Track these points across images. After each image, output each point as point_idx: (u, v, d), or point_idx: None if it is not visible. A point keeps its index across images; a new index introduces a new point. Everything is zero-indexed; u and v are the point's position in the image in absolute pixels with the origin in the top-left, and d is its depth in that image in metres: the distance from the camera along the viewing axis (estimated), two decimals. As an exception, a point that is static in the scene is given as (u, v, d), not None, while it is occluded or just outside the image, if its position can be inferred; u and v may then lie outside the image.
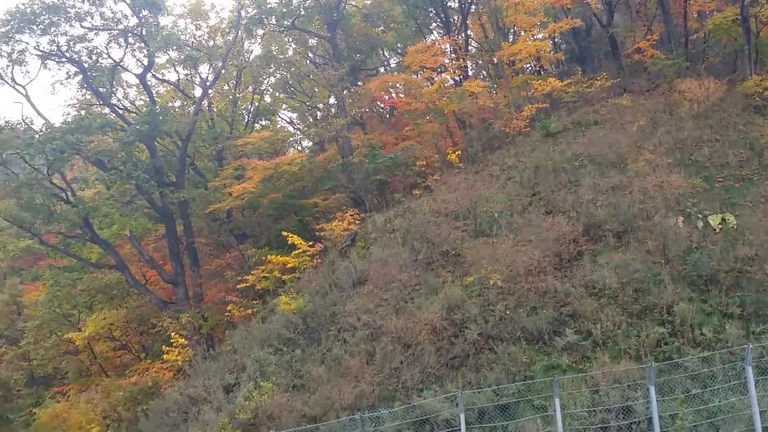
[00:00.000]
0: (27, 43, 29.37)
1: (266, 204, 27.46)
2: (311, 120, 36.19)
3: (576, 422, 14.65)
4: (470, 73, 34.86)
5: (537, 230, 20.39)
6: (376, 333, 19.13)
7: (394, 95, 34.84)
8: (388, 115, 36.06)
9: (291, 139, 36.41)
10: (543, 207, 21.74)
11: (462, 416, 14.48)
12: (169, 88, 34.77)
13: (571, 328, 16.82)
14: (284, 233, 24.98)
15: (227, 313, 25.21)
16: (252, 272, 25.31)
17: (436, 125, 29.34)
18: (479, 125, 28.27)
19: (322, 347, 20.07)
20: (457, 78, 31.56)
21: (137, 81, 32.12)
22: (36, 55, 29.90)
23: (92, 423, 23.26)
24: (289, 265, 24.35)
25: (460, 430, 14.53)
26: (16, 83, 30.17)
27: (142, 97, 34.18)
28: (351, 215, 25.55)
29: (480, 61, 36.56)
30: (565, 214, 20.77)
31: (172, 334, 24.17)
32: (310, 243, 24.83)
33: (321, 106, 35.80)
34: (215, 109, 34.42)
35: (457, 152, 26.66)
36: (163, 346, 23.94)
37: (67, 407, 24.55)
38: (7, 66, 29.86)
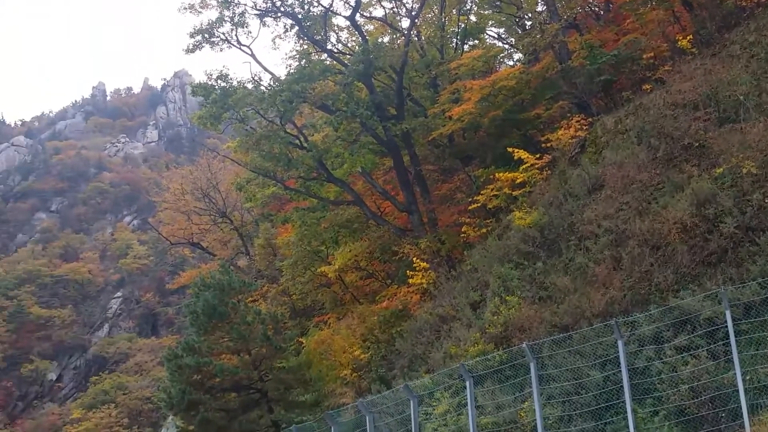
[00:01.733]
0: (245, 5, 31.41)
1: (487, 123, 27.29)
2: (521, 32, 34.99)
3: None
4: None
5: (794, 107, 18.14)
6: (620, 238, 18.42)
7: (607, -11, 32.51)
8: (603, 12, 33.79)
9: (502, 55, 35.67)
10: (797, 80, 19.28)
11: (728, 313, 13.56)
12: (377, 25, 35.46)
13: None
14: (509, 149, 24.71)
15: (462, 235, 25.68)
16: (481, 192, 25.44)
17: (661, 12, 26.94)
18: (710, 3, 25.50)
19: (563, 258, 19.79)
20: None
21: (347, 23, 33.15)
22: (254, 14, 31.85)
23: (353, 346, 25.21)
24: (518, 181, 24.13)
25: (725, 327, 13.64)
26: (242, 44, 32.44)
27: (354, 38, 35.24)
28: (577, 121, 24.57)
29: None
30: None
31: (414, 259, 25.20)
32: (537, 156, 24.34)
33: (530, 15, 34.42)
34: (424, 38, 34.57)
35: (688, 37, 24.35)
36: (407, 271, 25.07)
37: (329, 334, 26.83)
38: (231, 29, 32.14)
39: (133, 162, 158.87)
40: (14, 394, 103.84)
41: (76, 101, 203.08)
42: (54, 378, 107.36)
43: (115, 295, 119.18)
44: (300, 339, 29.60)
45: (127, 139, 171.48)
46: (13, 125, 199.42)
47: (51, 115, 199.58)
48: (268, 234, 41.42)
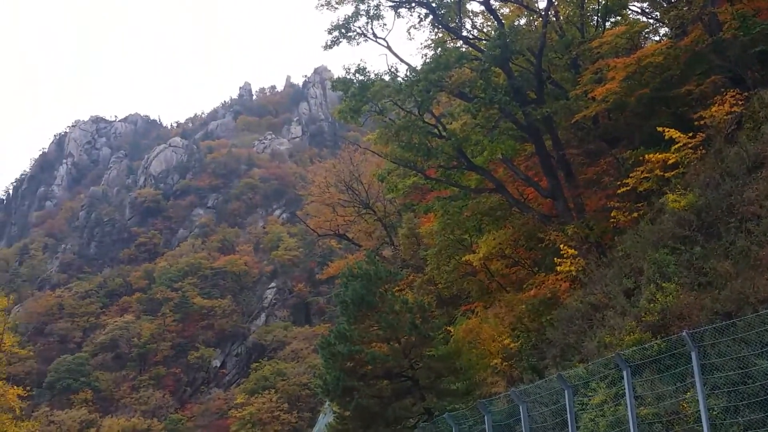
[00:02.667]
0: (379, -2, 31.76)
1: (633, 102, 26.11)
2: (666, 4, 33.09)
3: None
4: None
5: None
6: (787, 218, 17.14)
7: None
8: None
9: (647, 30, 33.88)
10: None
11: None
12: (513, 7, 34.78)
13: None
14: (659, 129, 23.55)
15: (612, 220, 24.83)
16: (630, 175, 24.43)
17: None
18: None
19: (723, 241, 18.68)
20: None
21: (482, 8, 32.78)
22: (389, 6, 32.15)
23: (502, 335, 25.13)
24: (670, 162, 22.96)
25: None
26: (377, 37, 32.84)
27: (489, 22, 34.78)
28: (732, 96, 22.95)
29: None
30: None
31: (561, 246, 24.69)
32: (690, 134, 23.02)
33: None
34: (562, 17, 33.53)
35: None
36: (555, 259, 24.61)
37: (478, 322, 26.90)
38: (366, 23, 32.58)
39: (280, 158, 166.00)
40: (183, 380, 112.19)
41: (225, 102, 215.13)
42: (218, 364, 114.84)
43: (270, 286, 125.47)
44: (447, 328, 29.85)
45: (273, 136, 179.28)
46: (169, 127, 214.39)
47: (203, 115, 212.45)
48: (411, 224, 41.97)
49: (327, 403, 49.93)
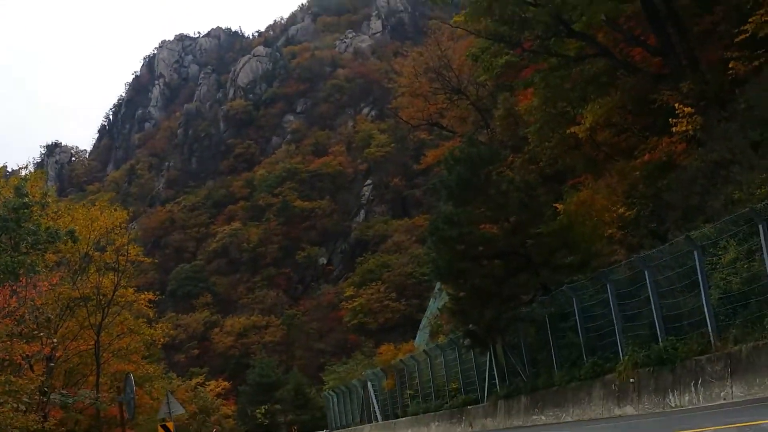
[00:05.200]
0: None
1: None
2: None
3: None
4: None
5: None
6: None
7: None
8: None
9: None
10: None
11: None
12: None
13: None
14: (783, -37, 21.19)
15: (730, 72, 22.94)
16: (750, 20, 22.30)
17: None
18: None
19: None
20: None
21: None
22: None
23: (616, 204, 24.25)
24: (797, -2, 20.75)
25: None
26: None
27: None
28: None
29: None
30: None
31: (676, 105, 23.15)
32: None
33: None
34: None
35: None
36: (670, 119, 23.17)
37: (589, 194, 26.04)
38: None
39: (363, 55, 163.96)
40: (293, 278, 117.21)
41: (302, 4, 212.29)
42: (324, 261, 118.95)
43: (366, 183, 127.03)
44: (555, 204, 29.13)
45: (354, 34, 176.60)
46: (251, 37, 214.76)
47: (282, 21, 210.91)
48: (508, 103, 40.55)
49: (437, 287, 50.92)
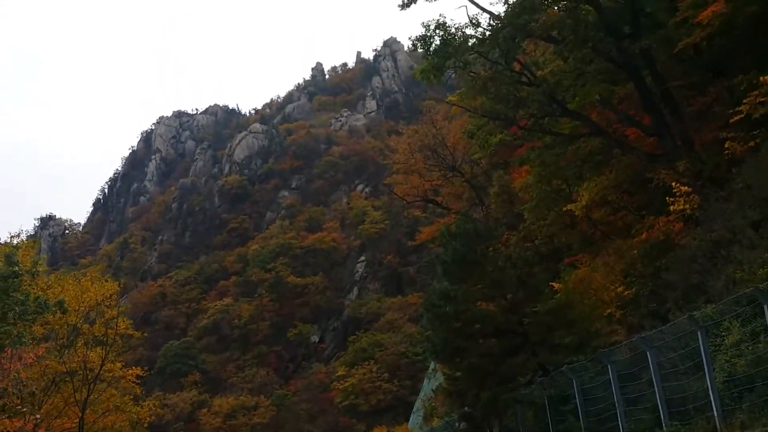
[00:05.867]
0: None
1: (741, 22, 24.07)
2: None
3: None
4: None
5: None
6: None
7: None
8: None
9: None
10: None
11: None
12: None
13: None
14: (774, 46, 21.61)
15: (726, 152, 23.05)
16: (744, 101, 22.56)
17: None
18: None
19: None
20: None
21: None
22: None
23: (615, 283, 23.92)
24: (789, 81, 21.02)
25: None
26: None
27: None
28: None
29: None
30: None
31: (672, 184, 23.16)
32: (810, 49, 21.01)
33: None
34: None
35: None
36: (667, 198, 23.13)
37: (588, 272, 25.74)
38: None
39: (357, 134, 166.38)
40: (284, 357, 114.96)
41: (299, 84, 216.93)
42: (317, 340, 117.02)
43: (360, 260, 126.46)
44: (552, 283, 28.78)
45: (349, 113, 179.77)
46: (248, 114, 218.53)
47: (279, 100, 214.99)
48: (502, 181, 40.78)
49: (431, 367, 49.80)
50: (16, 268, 19.62)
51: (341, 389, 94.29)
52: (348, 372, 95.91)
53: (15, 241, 29.98)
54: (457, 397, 25.29)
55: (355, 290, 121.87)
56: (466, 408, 24.36)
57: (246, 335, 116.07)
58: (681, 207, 22.81)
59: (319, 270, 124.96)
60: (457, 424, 26.17)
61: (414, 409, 53.87)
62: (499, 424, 24.31)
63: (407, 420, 57.64)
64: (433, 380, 45.94)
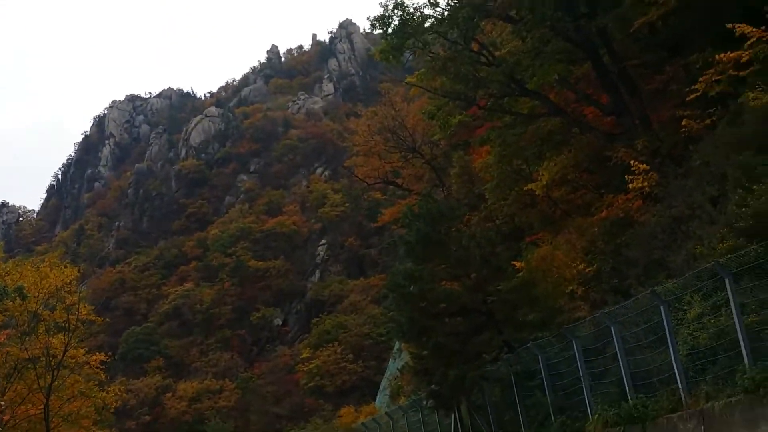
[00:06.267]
0: None
1: (697, 1, 24.48)
2: None
3: None
4: None
5: None
6: None
7: None
8: None
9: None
10: None
11: None
12: None
13: None
14: (728, 26, 21.98)
15: (683, 129, 23.49)
16: (700, 80, 22.98)
17: None
18: None
19: (815, 134, 17.44)
20: None
21: None
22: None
23: (576, 260, 24.32)
24: (743, 60, 21.42)
25: None
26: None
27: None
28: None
29: None
30: None
31: (631, 162, 23.56)
32: (763, 27, 21.45)
33: None
34: None
35: None
36: (626, 176, 23.53)
37: (550, 250, 26.11)
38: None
39: (315, 116, 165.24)
40: (248, 340, 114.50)
41: (254, 66, 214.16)
42: (280, 323, 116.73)
43: (321, 243, 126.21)
44: (514, 262, 29.12)
45: (306, 96, 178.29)
46: (203, 98, 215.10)
47: (234, 83, 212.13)
48: (463, 162, 41.00)
49: (396, 347, 50.15)
50: (-27, 257, 19.07)
51: (306, 371, 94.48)
52: (312, 354, 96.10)
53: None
54: (423, 375, 25.49)
55: (317, 273, 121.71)
56: (433, 386, 24.59)
57: (209, 319, 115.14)
58: (640, 185, 23.22)
59: (281, 253, 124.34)
60: (425, 402, 26.41)
61: (380, 388, 54.30)
62: (467, 401, 24.63)
63: (373, 399, 58.03)
64: (398, 360, 46.26)
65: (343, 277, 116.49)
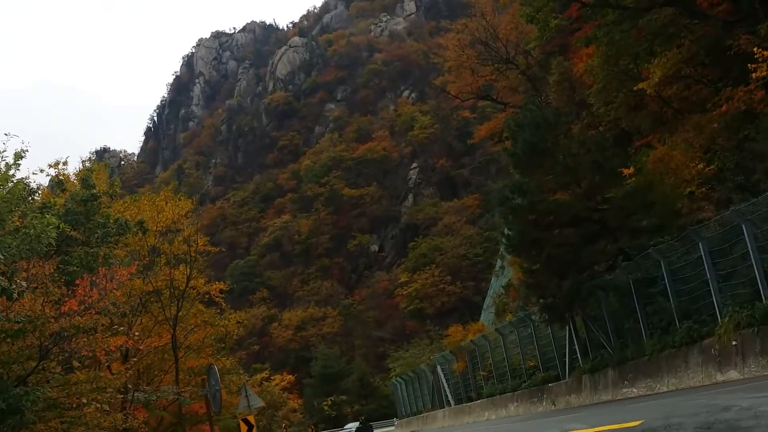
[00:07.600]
0: None
1: None
2: None
3: None
4: None
5: None
6: None
7: None
8: None
9: None
10: None
11: None
12: None
13: None
14: None
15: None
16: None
17: None
18: None
19: None
20: None
21: None
22: None
23: (694, 160, 22.87)
24: None
25: None
26: None
27: None
28: None
29: None
30: None
31: (754, 50, 21.61)
32: None
33: None
34: None
35: None
36: (748, 65, 21.66)
37: (666, 150, 24.65)
38: None
39: (399, 38, 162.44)
40: (347, 268, 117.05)
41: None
42: (376, 249, 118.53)
43: (412, 167, 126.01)
44: (622, 169, 27.80)
45: (388, 17, 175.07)
46: (286, 28, 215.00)
47: (316, 10, 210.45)
48: (562, 68, 39.03)
49: (497, 265, 49.85)
50: (94, 191, 19.73)
51: (405, 295, 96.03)
52: (410, 278, 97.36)
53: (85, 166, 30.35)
54: (536, 289, 25.01)
55: (410, 197, 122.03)
56: (547, 299, 24.10)
57: (307, 250, 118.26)
58: (764, 73, 21.32)
59: (373, 180, 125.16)
60: (539, 316, 26.02)
61: (484, 307, 54.39)
62: (582, 313, 24.05)
63: (473, 320, 58.28)
64: (501, 277, 45.98)
65: (437, 199, 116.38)
